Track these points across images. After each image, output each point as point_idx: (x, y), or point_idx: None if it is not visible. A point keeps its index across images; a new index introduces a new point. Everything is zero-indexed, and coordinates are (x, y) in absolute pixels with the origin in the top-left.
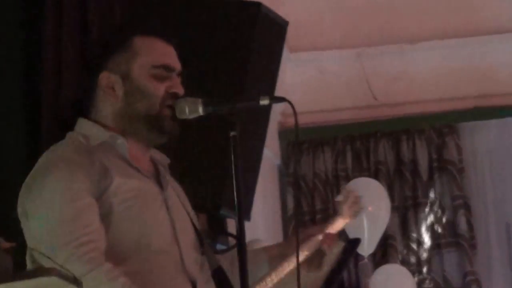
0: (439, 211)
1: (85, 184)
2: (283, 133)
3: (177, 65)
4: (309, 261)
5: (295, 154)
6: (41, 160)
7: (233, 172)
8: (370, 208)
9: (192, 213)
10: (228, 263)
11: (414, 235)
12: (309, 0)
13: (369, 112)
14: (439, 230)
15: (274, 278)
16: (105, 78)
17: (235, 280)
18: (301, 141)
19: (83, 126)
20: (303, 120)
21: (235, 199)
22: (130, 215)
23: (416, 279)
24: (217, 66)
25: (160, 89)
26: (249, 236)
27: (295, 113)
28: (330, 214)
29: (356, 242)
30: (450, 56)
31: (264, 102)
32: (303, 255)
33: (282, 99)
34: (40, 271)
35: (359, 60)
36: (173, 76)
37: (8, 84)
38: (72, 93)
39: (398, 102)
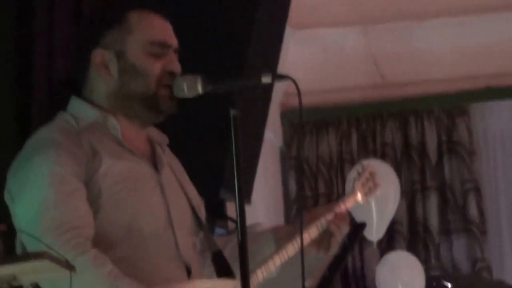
0: (449, 196)
1: (71, 167)
2: (286, 114)
3: (173, 41)
4: (318, 242)
5: (297, 135)
6: (28, 143)
7: (233, 153)
8: (378, 191)
9: (192, 194)
10: (234, 245)
11: (422, 220)
12: None
13: (376, 92)
14: (448, 215)
15: (277, 260)
16: (99, 55)
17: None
18: (304, 122)
19: (75, 105)
20: (306, 100)
21: (235, 181)
22: (120, 199)
23: (423, 266)
24: (217, 43)
25: (156, 67)
26: (249, 220)
27: (298, 92)
28: (334, 198)
29: (361, 227)
30: (460, 33)
31: (266, 80)
32: (310, 237)
33: (285, 77)
34: (32, 255)
35: (365, 38)
36: (169, 53)
37: None
38: (65, 74)
39: (406, 82)
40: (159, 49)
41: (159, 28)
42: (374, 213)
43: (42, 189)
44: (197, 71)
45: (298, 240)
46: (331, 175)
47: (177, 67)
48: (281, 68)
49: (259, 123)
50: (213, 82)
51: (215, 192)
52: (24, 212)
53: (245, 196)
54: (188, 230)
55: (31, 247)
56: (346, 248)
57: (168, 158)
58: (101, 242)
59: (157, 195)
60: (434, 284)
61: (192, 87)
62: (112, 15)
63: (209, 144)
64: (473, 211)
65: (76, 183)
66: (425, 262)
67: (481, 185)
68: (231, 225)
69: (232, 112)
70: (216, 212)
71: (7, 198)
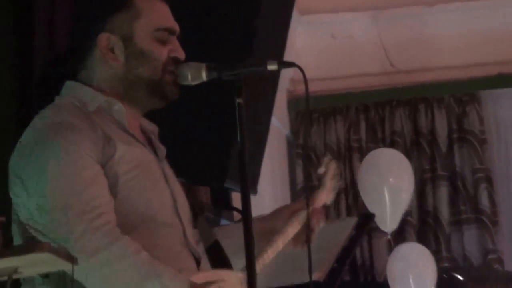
0: (459, 185)
1: (92, 151)
2: (293, 101)
3: (177, 27)
4: (295, 237)
5: (305, 123)
6: (39, 125)
7: (239, 142)
8: (391, 180)
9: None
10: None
11: (432, 210)
12: None
13: (385, 79)
14: (459, 205)
15: (270, 254)
16: (105, 39)
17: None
18: (312, 110)
19: (76, 89)
20: (313, 87)
21: (241, 171)
22: (135, 186)
23: (434, 258)
24: (222, 28)
25: (163, 53)
26: (255, 211)
27: (305, 79)
28: (342, 187)
29: (369, 217)
30: (471, 18)
31: (272, 67)
32: (294, 232)
33: (291, 64)
34: (32, 247)
35: (374, 24)
36: (173, 39)
37: None
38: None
39: (416, 69)
40: (165, 35)
41: (164, 14)
42: (387, 203)
43: (67, 174)
44: (202, 58)
45: (286, 234)
46: (339, 164)
47: (181, 53)
48: (288, 54)
49: (266, 111)
50: (218, 69)
51: (220, 182)
52: (47, 199)
53: (251, 186)
54: (188, 220)
55: (55, 235)
56: (354, 239)
57: (162, 148)
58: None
59: (163, 183)
60: (445, 276)
61: (196, 74)
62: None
63: (214, 133)
64: (484, 201)
65: (97, 167)
66: (435, 253)
67: (493, 175)
68: (237, 216)
69: (237, 100)
70: (221, 203)
71: (14, 186)
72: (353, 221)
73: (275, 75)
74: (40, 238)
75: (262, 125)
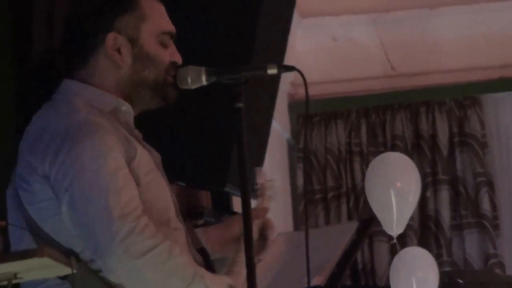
0: (460, 189)
1: (120, 152)
2: (293, 104)
3: (175, 31)
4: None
5: (305, 127)
6: (61, 124)
7: (239, 146)
8: (398, 184)
9: None
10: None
11: (433, 214)
12: None
13: (386, 82)
14: (460, 209)
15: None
16: (112, 39)
17: None
18: (312, 113)
19: (82, 89)
20: (314, 91)
21: (241, 175)
22: (152, 189)
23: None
24: (222, 32)
25: (166, 57)
26: None
27: (305, 83)
28: (342, 192)
29: (370, 221)
30: (473, 22)
31: (272, 71)
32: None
33: (291, 68)
34: (32, 252)
35: (375, 27)
36: (172, 43)
37: None
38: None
39: (417, 72)
40: (167, 39)
41: (166, 17)
42: (394, 207)
43: (105, 173)
44: (201, 62)
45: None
46: (339, 167)
47: (179, 57)
48: (289, 57)
49: (266, 114)
50: (218, 73)
51: (221, 187)
52: (85, 198)
53: (251, 190)
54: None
55: (88, 235)
56: (355, 244)
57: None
58: None
59: (168, 187)
60: (446, 280)
61: (196, 78)
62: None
63: (215, 137)
64: (485, 205)
65: (127, 167)
66: (436, 257)
67: (494, 179)
68: None
69: (237, 104)
70: (222, 207)
71: (34, 183)
72: (354, 225)
73: (276, 78)
74: (61, 239)
75: (262, 128)
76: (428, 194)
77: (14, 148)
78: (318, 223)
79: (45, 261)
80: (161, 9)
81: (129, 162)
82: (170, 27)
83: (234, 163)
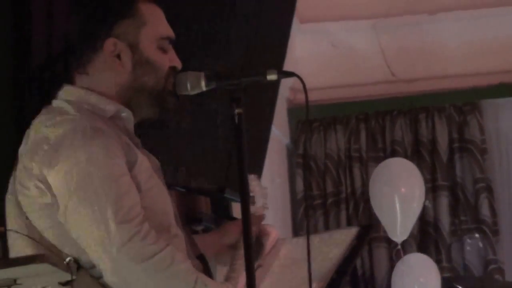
0: (460, 195)
1: (122, 157)
2: (292, 110)
3: (174, 36)
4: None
5: (305, 133)
6: (63, 129)
7: (239, 152)
8: (403, 190)
9: None
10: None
11: (433, 220)
12: None
13: (385, 88)
14: (460, 215)
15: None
16: (111, 45)
17: None
18: (312, 119)
19: (83, 95)
20: (314, 96)
21: (240, 181)
22: (152, 196)
23: None
24: (221, 37)
25: (166, 62)
26: None
27: (305, 89)
28: (342, 197)
29: (369, 228)
30: (473, 28)
31: (272, 77)
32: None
33: (291, 74)
34: (31, 258)
35: (374, 32)
36: (171, 48)
37: None
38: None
39: (417, 78)
40: (166, 44)
41: (165, 22)
42: (399, 213)
43: (108, 180)
44: (201, 67)
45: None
46: (339, 173)
47: (178, 62)
48: (288, 63)
49: (266, 120)
50: (217, 78)
51: (220, 192)
52: (89, 206)
53: (250, 196)
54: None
55: (90, 240)
56: (355, 250)
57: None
58: None
59: (167, 193)
60: (446, 286)
61: (195, 84)
62: (124, 5)
63: (214, 142)
64: (485, 211)
65: (129, 174)
66: (436, 263)
67: (494, 184)
68: None
69: (237, 110)
70: (221, 213)
71: (34, 188)
72: (354, 231)
73: (275, 84)
74: (62, 245)
75: (262, 134)
76: (427, 202)
77: (14, 152)
78: (317, 228)
79: (45, 267)
80: (160, 14)
81: (130, 168)
82: (169, 32)
83: (234, 168)
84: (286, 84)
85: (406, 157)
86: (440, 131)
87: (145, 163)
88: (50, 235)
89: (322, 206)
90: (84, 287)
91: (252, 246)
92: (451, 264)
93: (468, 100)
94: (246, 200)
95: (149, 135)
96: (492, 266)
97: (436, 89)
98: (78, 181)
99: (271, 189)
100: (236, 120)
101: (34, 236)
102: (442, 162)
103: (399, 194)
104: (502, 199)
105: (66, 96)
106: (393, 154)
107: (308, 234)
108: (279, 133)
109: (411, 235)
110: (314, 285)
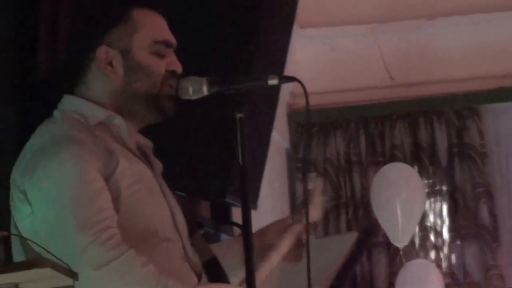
0: (459, 200)
1: (96, 164)
2: (292, 114)
3: (174, 40)
4: (288, 252)
5: (305, 137)
6: (43, 138)
7: (240, 156)
8: (404, 195)
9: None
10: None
11: (432, 225)
12: None
13: (385, 92)
14: (459, 220)
15: (267, 269)
16: (103, 53)
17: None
18: (312, 123)
19: (76, 103)
20: (313, 101)
21: (241, 185)
22: (137, 201)
23: None
24: (223, 43)
25: (161, 66)
26: (255, 225)
27: (306, 93)
28: (342, 202)
29: (369, 232)
30: (472, 32)
31: (273, 82)
32: (287, 247)
33: (292, 79)
34: (33, 263)
35: (374, 37)
36: (171, 52)
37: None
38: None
39: (416, 82)
40: (163, 48)
41: (161, 27)
42: (400, 218)
43: (73, 187)
44: (202, 72)
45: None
46: (338, 178)
47: (178, 66)
48: (288, 67)
49: (266, 125)
50: (219, 83)
51: (221, 197)
52: (52, 212)
53: (251, 200)
54: (186, 235)
55: (60, 249)
56: (355, 255)
57: (158, 163)
58: None
59: (162, 198)
60: None
61: (197, 88)
62: (116, 12)
63: (215, 147)
64: (485, 216)
65: (102, 180)
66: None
67: (493, 189)
68: (236, 231)
69: (238, 115)
70: (221, 217)
71: (18, 197)
72: (353, 236)
73: (276, 89)
74: (44, 253)
75: (262, 139)
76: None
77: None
78: (316, 233)
79: (47, 271)
80: (155, 19)
81: (110, 173)
82: (165, 36)
83: (234, 173)
84: (286, 89)
85: (405, 161)
86: (440, 136)
87: (129, 170)
88: (34, 245)
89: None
90: None
91: (253, 250)
92: (451, 269)
93: (467, 105)
94: (246, 205)
95: (149, 139)
96: (492, 272)
97: (435, 94)
98: (48, 189)
99: (270, 194)
100: (238, 125)
101: (26, 246)
102: (442, 166)
103: (400, 199)
104: (502, 204)
105: (64, 105)
106: (393, 158)
107: (308, 239)
108: (279, 138)
109: (410, 240)
110: None
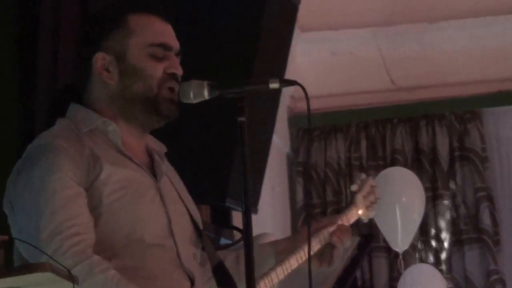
0: (461, 204)
1: (73, 172)
2: (293, 118)
3: (175, 43)
4: (320, 256)
5: (305, 141)
6: (29, 148)
7: (240, 160)
8: (404, 200)
9: (191, 205)
10: (233, 258)
11: (433, 230)
12: None
13: (386, 96)
14: (460, 225)
15: (280, 273)
16: (100, 59)
17: (241, 276)
18: (312, 127)
19: (74, 111)
20: (314, 105)
21: (242, 189)
22: (120, 207)
23: None
24: (224, 46)
25: (157, 69)
26: (255, 229)
27: (307, 97)
28: (342, 206)
29: (369, 237)
30: (472, 36)
31: (274, 85)
32: (313, 249)
33: (293, 82)
34: (34, 267)
35: (375, 41)
36: (171, 55)
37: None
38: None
39: (417, 86)
40: (161, 51)
41: (159, 30)
42: (399, 222)
43: (43, 195)
44: (203, 76)
45: (302, 252)
46: (339, 182)
47: (178, 69)
48: (289, 71)
49: (267, 128)
50: (220, 87)
51: (221, 201)
52: (25, 219)
53: (252, 204)
54: (188, 241)
55: (32, 256)
56: (356, 259)
57: (166, 168)
58: (102, 251)
59: (157, 204)
60: None
61: (198, 92)
62: (112, 19)
63: (215, 151)
64: (486, 220)
65: (77, 188)
66: None
67: (494, 193)
68: (237, 235)
69: (239, 119)
70: (221, 222)
71: (6, 207)
72: (354, 240)
73: (277, 92)
74: (30, 259)
75: (263, 143)
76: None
77: None
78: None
79: (47, 275)
80: (152, 23)
81: (92, 181)
82: (163, 39)
83: (234, 177)
84: (286, 93)
85: (406, 165)
86: (441, 140)
87: (115, 176)
88: (25, 254)
89: (322, 215)
90: None
91: (253, 259)
92: (452, 274)
93: (468, 108)
94: (247, 208)
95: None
96: (493, 277)
97: (437, 97)
98: (23, 198)
99: (271, 198)
100: (239, 129)
101: (19, 254)
102: (443, 170)
103: (400, 203)
104: (503, 209)
105: (68, 114)
106: (394, 162)
107: (309, 242)
108: (279, 142)
109: (411, 245)
110: None
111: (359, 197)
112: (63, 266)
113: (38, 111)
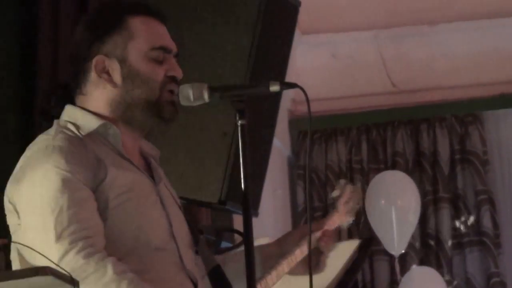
0: (462, 207)
1: (81, 174)
2: (294, 121)
3: (173, 46)
4: (306, 261)
5: (306, 144)
6: (32, 150)
7: (241, 163)
8: (399, 203)
9: (182, 209)
10: (221, 262)
11: (434, 233)
12: None
13: (387, 99)
14: (462, 227)
15: (275, 278)
16: (100, 62)
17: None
18: (313, 130)
19: (72, 113)
20: (315, 107)
21: (243, 192)
22: (126, 210)
23: None
24: (224, 49)
25: (159, 72)
26: (256, 232)
27: (307, 100)
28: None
29: (370, 240)
30: (474, 39)
31: (275, 88)
32: (302, 254)
33: (293, 85)
34: (34, 270)
35: (376, 43)
36: (170, 57)
37: (2, 80)
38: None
39: (418, 89)
40: (161, 54)
41: (159, 33)
42: (395, 226)
43: (55, 196)
44: (203, 79)
45: (292, 257)
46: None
47: (178, 72)
48: (289, 74)
49: (268, 131)
50: (221, 90)
51: (221, 204)
52: (35, 221)
53: (252, 207)
54: (187, 244)
55: (35, 257)
56: (357, 262)
57: (161, 172)
58: (109, 254)
59: (159, 207)
60: None
61: (198, 95)
62: (112, 21)
63: (215, 154)
64: (487, 223)
65: (87, 191)
66: None
67: (495, 196)
68: (237, 238)
69: (240, 122)
70: (222, 225)
71: (8, 208)
72: (355, 243)
73: (277, 95)
74: (32, 262)
75: (263, 146)
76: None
77: None
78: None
79: (48, 279)
80: (152, 25)
81: (97, 184)
82: (162, 42)
83: (235, 180)
84: (287, 96)
85: (407, 168)
86: (442, 142)
87: (120, 179)
88: (26, 255)
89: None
90: None
91: (254, 263)
92: (453, 277)
93: (469, 111)
94: (248, 211)
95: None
96: (494, 280)
97: (437, 100)
98: (32, 199)
99: (272, 201)
100: (239, 132)
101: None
102: (444, 173)
103: (396, 207)
104: (504, 211)
105: (64, 116)
106: (394, 165)
107: (309, 245)
108: (280, 145)
109: (413, 248)
110: None
111: (339, 203)
112: (77, 268)
113: (38, 111)
